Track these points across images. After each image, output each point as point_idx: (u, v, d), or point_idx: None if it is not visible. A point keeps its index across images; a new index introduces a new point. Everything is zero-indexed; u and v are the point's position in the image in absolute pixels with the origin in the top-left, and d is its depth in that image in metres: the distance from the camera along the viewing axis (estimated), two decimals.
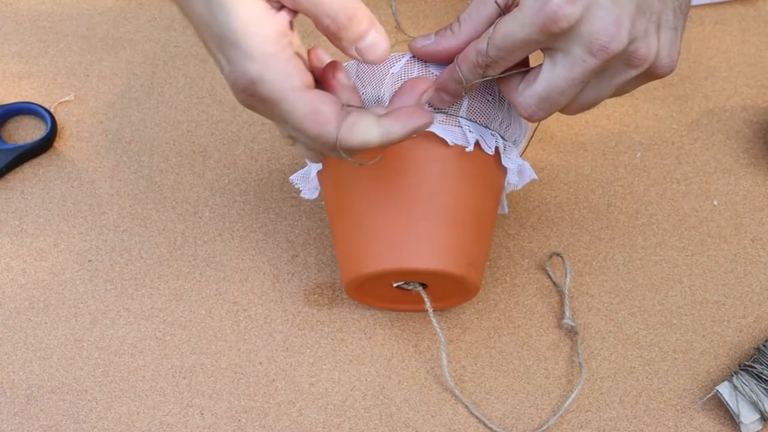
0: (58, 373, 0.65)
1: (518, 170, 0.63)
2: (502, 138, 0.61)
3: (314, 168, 0.62)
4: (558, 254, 0.69)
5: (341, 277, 0.62)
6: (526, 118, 0.55)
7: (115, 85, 0.78)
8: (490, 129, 0.60)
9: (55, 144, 0.74)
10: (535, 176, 0.63)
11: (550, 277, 0.68)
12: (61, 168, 0.73)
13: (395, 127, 0.50)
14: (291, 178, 0.65)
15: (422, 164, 0.58)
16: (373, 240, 0.58)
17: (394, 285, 0.62)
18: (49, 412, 0.63)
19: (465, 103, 0.59)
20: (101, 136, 0.75)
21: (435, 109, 0.59)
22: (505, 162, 0.61)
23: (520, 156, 0.63)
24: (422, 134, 0.58)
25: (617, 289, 0.68)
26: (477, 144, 0.59)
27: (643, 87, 0.76)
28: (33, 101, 0.76)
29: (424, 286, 0.62)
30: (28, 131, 0.75)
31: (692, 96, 0.77)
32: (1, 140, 0.73)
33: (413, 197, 0.58)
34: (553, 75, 0.52)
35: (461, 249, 0.58)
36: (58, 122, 0.75)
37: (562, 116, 0.75)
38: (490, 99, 0.60)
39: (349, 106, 0.52)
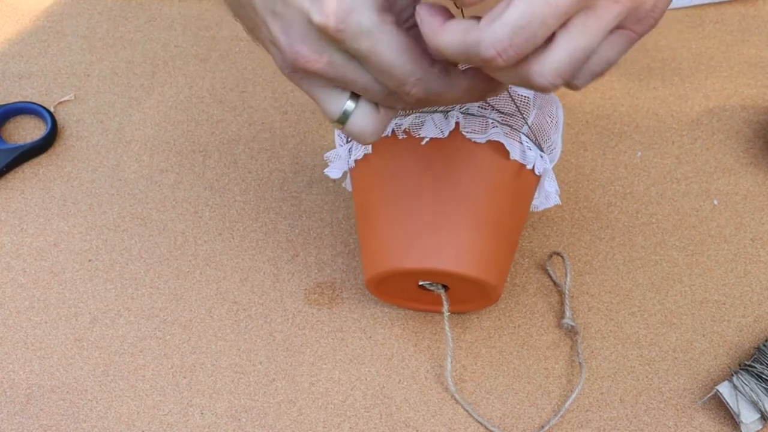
0: (58, 373, 0.65)
1: (546, 193, 0.63)
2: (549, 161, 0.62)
3: (360, 151, 0.61)
4: (558, 254, 0.69)
5: (363, 267, 0.61)
6: (489, 59, 0.43)
7: (115, 85, 0.78)
8: (541, 150, 0.60)
9: (55, 144, 0.74)
10: (558, 201, 0.64)
11: (550, 277, 0.68)
12: (61, 168, 0.73)
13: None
14: (326, 154, 0.64)
15: (483, 172, 0.58)
16: (418, 236, 0.58)
17: (420, 283, 0.62)
18: (49, 411, 0.63)
19: (531, 119, 0.60)
20: (101, 136, 0.75)
21: (502, 119, 0.59)
22: (547, 185, 0.62)
23: None
24: (489, 142, 0.58)
25: (617, 288, 0.68)
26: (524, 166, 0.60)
27: (643, 86, 0.77)
28: (33, 101, 0.76)
29: (445, 288, 0.62)
30: (28, 131, 0.75)
31: (692, 96, 0.77)
32: (1, 140, 0.73)
33: (462, 202, 0.58)
34: (576, 40, 0.44)
35: (499, 260, 0.59)
36: (58, 122, 0.75)
37: (563, 116, 0.75)
38: (549, 120, 0.60)
39: None
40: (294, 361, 0.65)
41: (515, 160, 0.59)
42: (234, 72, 0.78)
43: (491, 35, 0.43)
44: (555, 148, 0.62)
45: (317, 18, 0.45)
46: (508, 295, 0.68)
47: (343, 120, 0.50)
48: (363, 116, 0.50)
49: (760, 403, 0.60)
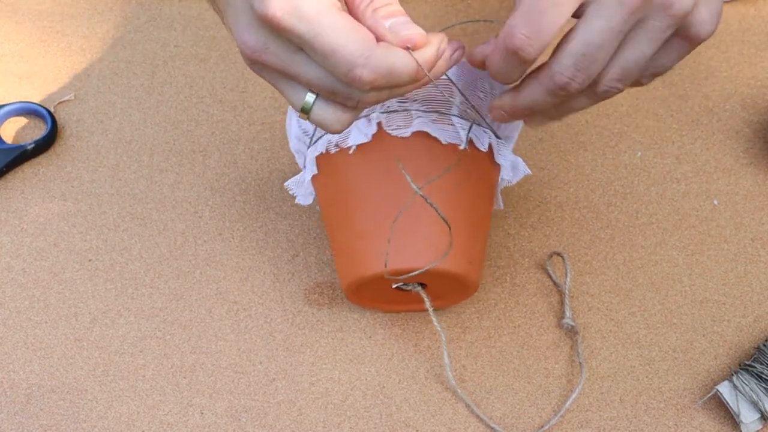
0: (58, 373, 0.65)
1: (512, 166, 0.63)
2: (495, 134, 0.61)
3: (308, 173, 0.62)
4: (558, 254, 0.69)
5: (339, 279, 0.62)
6: (562, 86, 0.49)
7: (115, 85, 0.78)
8: (482, 126, 0.60)
9: (55, 144, 0.74)
10: (528, 171, 0.63)
11: (550, 277, 0.68)
12: (61, 168, 0.73)
13: (429, 49, 0.48)
14: (286, 183, 0.65)
15: (416, 165, 0.58)
16: (370, 242, 0.58)
17: (394, 286, 0.62)
18: (49, 411, 0.63)
19: (457, 100, 0.59)
20: (101, 136, 0.75)
21: (427, 108, 0.59)
22: (498, 159, 0.61)
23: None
24: (415, 134, 0.58)
25: (617, 288, 0.68)
26: (470, 141, 0.59)
27: (643, 87, 0.77)
28: (33, 101, 0.76)
29: (423, 285, 0.62)
30: (28, 131, 0.75)
31: (692, 96, 0.77)
32: (1, 140, 0.73)
33: (407, 198, 0.58)
34: (589, 29, 0.48)
35: (459, 247, 0.58)
36: (58, 122, 0.75)
37: None
38: (482, 96, 0.60)
39: None
40: (294, 361, 0.65)
41: (450, 143, 0.59)
42: (234, 72, 0.78)
43: (558, 67, 0.48)
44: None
45: (257, 7, 0.45)
46: (508, 295, 0.68)
47: (306, 110, 0.49)
48: (325, 106, 0.49)
49: (760, 403, 0.60)
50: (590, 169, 0.73)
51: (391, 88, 0.49)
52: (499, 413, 0.63)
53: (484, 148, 0.60)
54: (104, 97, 0.77)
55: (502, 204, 0.67)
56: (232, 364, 0.65)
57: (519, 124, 0.64)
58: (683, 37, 0.50)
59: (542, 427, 0.62)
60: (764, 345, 0.62)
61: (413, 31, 0.47)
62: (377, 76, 0.46)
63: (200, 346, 0.66)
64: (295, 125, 0.63)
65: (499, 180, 0.63)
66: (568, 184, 0.72)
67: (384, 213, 0.58)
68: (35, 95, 0.77)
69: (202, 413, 0.63)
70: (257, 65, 0.49)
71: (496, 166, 0.62)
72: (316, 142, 0.61)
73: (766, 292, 0.68)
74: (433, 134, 0.58)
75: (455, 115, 0.59)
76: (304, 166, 0.63)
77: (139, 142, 0.75)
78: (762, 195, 0.72)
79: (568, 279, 0.67)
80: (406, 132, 0.58)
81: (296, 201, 0.65)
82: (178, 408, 0.63)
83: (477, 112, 0.60)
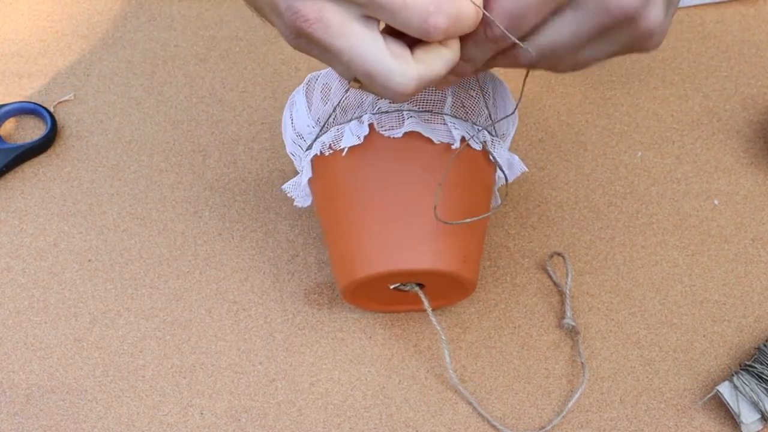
0: (58, 373, 0.65)
1: (508, 164, 0.62)
2: (489, 133, 0.61)
3: (305, 175, 0.63)
4: (559, 254, 0.69)
5: (336, 279, 0.62)
6: (493, 39, 0.49)
7: (115, 85, 0.78)
8: (476, 124, 0.60)
9: (55, 144, 0.74)
10: (525, 168, 0.63)
11: (550, 277, 0.68)
12: (61, 168, 0.73)
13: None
14: (283, 186, 0.65)
15: (409, 165, 0.58)
16: (365, 244, 0.58)
17: (391, 287, 0.62)
18: (48, 411, 0.63)
19: (449, 99, 0.59)
20: (101, 136, 0.75)
21: (419, 108, 0.59)
22: (497, 156, 0.61)
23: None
24: (407, 134, 0.59)
25: (618, 288, 0.68)
26: (463, 140, 0.59)
27: (643, 86, 0.77)
28: (33, 101, 0.76)
29: (420, 285, 0.62)
30: (28, 131, 0.75)
31: (692, 96, 0.77)
32: (1, 140, 0.73)
33: (401, 198, 0.58)
34: (561, 31, 0.48)
35: (454, 246, 0.58)
36: (58, 122, 0.75)
37: (563, 116, 0.75)
38: (474, 94, 0.60)
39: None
40: (294, 361, 0.65)
41: (442, 142, 0.59)
42: (234, 72, 0.78)
43: (524, 52, 0.48)
44: (497, 119, 0.61)
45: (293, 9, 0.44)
46: (508, 296, 0.68)
47: (357, 85, 0.49)
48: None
49: (760, 403, 0.60)
50: (590, 169, 0.73)
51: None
52: (500, 414, 0.63)
53: (477, 146, 0.60)
54: (104, 97, 0.77)
55: (500, 200, 0.67)
56: (232, 364, 0.65)
57: (515, 122, 0.64)
58: (636, 46, 0.50)
59: (543, 427, 0.62)
60: (765, 345, 0.62)
61: None
62: (450, 21, 0.45)
63: (200, 346, 0.66)
64: (290, 128, 0.63)
65: (496, 178, 0.63)
66: (568, 184, 0.72)
67: (376, 214, 0.58)
68: (35, 95, 0.77)
69: (202, 413, 0.63)
70: (305, 39, 0.47)
71: (491, 165, 0.62)
72: (311, 144, 0.61)
73: (766, 292, 0.68)
74: (425, 134, 0.58)
75: (447, 114, 0.59)
76: (301, 169, 0.63)
77: (139, 142, 0.75)
78: (762, 195, 0.72)
79: (569, 279, 0.67)
80: (398, 133, 0.59)
81: (295, 203, 0.65)
82: (178, 408, 0.63)
83: (470, 110, 0.60)
